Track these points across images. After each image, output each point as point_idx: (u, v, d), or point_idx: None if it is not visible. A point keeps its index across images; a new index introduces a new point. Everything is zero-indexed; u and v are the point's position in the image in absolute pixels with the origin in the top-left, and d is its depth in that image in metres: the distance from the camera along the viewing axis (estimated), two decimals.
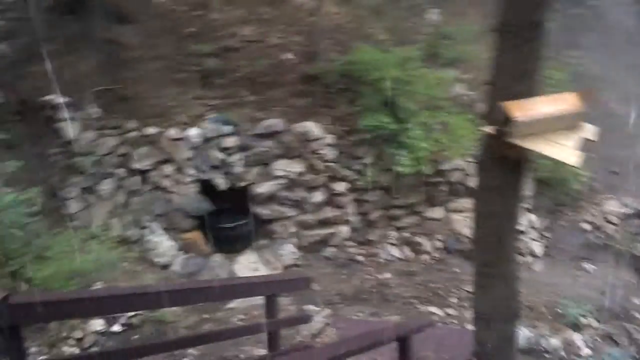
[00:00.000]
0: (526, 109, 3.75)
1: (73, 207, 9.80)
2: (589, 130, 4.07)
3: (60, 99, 9.85)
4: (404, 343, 5.71)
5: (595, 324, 9.94)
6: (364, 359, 5.87)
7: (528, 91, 3.91)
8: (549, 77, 11.76)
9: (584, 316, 10.08)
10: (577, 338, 9.53)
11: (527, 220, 12.27)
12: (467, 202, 12.01)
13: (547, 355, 9.10)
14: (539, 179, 12.67)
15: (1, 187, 8.10)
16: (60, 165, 9.90)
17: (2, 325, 3.64)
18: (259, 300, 7.34)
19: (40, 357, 6.77)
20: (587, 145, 4.05)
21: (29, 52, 10.13)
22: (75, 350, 7.26)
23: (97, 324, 7.80)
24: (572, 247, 12.74)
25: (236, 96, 10.94)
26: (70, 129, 9.86)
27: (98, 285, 8.22)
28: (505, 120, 3.74)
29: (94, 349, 7.44)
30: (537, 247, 12.31)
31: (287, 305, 9.31)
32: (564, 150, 3.84)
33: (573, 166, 3.78)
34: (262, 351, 7.41)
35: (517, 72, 3.90)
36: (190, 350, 7.65)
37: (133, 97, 10.37)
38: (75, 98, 9.97)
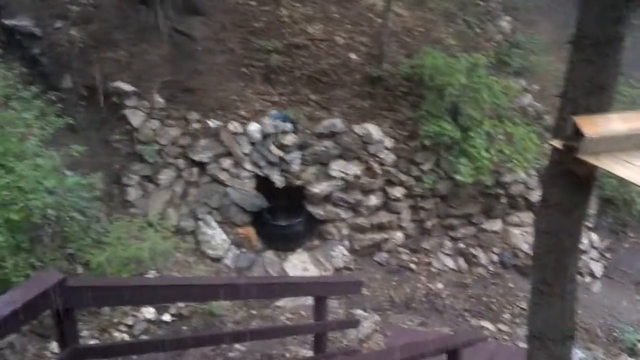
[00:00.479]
0: (598, 125, 3.62)
1: (132, 194, 9.95)
2: None
3: (127, 87, 10.02)
4: (453, 356, 5.62)
5: None
6: None
7: (601, 107, 3.77)
8: (622, 94, 11.46)
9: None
10: None
11: (588, 239, 11.95)
12: (526, 216, 11.83)
13: None
14: (602, 197, 12.36)
15: (64, 170, 8.28)
16: (123, 153, 10.05)
17: (58, 307, 3.69)
18: (308, 300, 7.32)
19: (91, 341, 6.87)
20: None
21: (99, 39, 10.33)
22: (126, 337, 7.35)
23: (149, 312, 7.88)
24: (633, 270, 12.40)
25: (298, 94, 10.95)
26: (134, 117, 10.02)
27: (151, 274, 8.32)
28: (575, 135, 3.62)
29: (144, 337, 7.52)
30: (597, 268, 12.01)
31: (335, 307, 9.28)
32: (635, 170, 3.69)
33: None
34: (308, 352, 7.39)
35: (590, 87, 3.76)
36: (237, 346, 7.67)
37: (197, 89, 10.46)
38: (141, 87, 10.13)
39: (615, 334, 10.35)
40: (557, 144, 3.83)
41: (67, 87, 10.03)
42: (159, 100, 10.14)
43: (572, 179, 3.98)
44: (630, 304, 11.38)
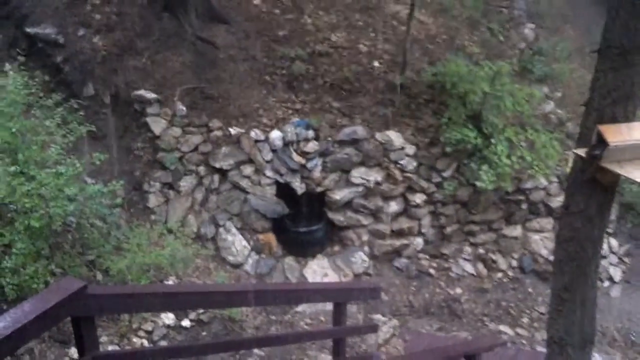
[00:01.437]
0: (622, 134, 3.61)
1: (153, 201, 10.00)
2: None
3: (149, 95, 10.08)
4: None
5: None
6: None
7: (626, 115, 3.77)
8: None
9: None
10: None
11: (607, 244, 11.90)
12: (547, 222, 11.78)
13: None
14: (622, 203, 12.30)
15: (86, 178, 8.34)
16: (144, 160, 10.11)
17: (78, 314, 3.71)
18: (327, 306, 7.34)
19: (111, 347, 6.91)
20: None
21: (122, 47, 10.40)
22: (145, 342, 7.39)
23: (168, 317, 7.92)
24: None
25: (320, 101, 10.96)
26: (156, 125, 10.07)
27: (171, 280, 8.35)
28: (599, 144, 3.61)
29: (163, 343, 7.55)
30: (616, 273, 11.95)
31: (354, 312, 9.28)
32: None
33: None
34: (327, 357, 7.39)
35: (616, 95, 3.76)
36: (256, 351, 7.69)
37: (219, 97, 10.50)
38: (163, 94, 10.18)
39: (633, 337, 10.35)
40: (581, 152, 3.83)
41: (90, 95, 10.11)
42: (181, 107, 10.19)
43: (595, 186, 3.99)
44: None
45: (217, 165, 10.27)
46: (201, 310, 8.22)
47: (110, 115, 10.12)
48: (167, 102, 10.20)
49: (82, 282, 3.58)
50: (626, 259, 12.37)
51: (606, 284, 11.69)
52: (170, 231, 8.97)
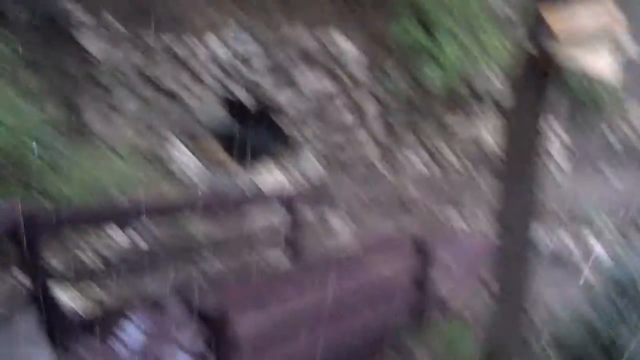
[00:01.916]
0: (565, 21, 3.58)
1: (93, 122, 9.69)
2: (629, 43, 3.91)
3: (78, 11, 9.62)
4: (423, 252, 5.78)
5: (612, 228, 10.33)
6: (384, 266, 5.99)
7: None
8: None
9: (602, 221, 10.52)
10: (594, 242, 9.86)
11: (555, 135, 12.21)
12: (496, 118, 11.93)
13: (564, 258, 9.39)
14: (570, 96, 12.52)
15: (24, 105, 8.03)
16: (83, 82, 9.73)
17: (24, 237, 3.63)
18: (282, 214, 7.40)
19: (60, 270, 6.80)
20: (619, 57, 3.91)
21: None
22: (98, 264, 7.30)
23: (120, 238, 7.83)
24: (596, 158, 13.10)
25: (262, 6, 10.61)
26: (89, 42, 9.66)
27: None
28: (543, 34, 3.59)
29: (116, 262, 7.48)
30: (563, 161, 12.35)
31: (308, 217, 9.38)
32: (602, 64, 3.69)
33: (609, 81, 3.67)
34: (284, 261, 7.51)
35: None
36: (212, 260, 7.70)
37: (155, 8, 10.07)
38: (93, 9, 9.72)
39: (578, 215, 10.95)
40: (526, 43, 3.83)
41: (14, 17, 9.58)
42: (113, 21, 9.75)
43: (540, 78, 4.01)
44: (593, 188, 12.10)
45: (160, 82, 9.97)
46: (155, 229, 8.14)
47: (39, 38, 9.66)
48: (97, 17, 9.73)
49: (25, 206, 3.49)
50: (574, 149, 12.78)
51: (555, 172, 12.09)
52: (115, 152, 8.78)
